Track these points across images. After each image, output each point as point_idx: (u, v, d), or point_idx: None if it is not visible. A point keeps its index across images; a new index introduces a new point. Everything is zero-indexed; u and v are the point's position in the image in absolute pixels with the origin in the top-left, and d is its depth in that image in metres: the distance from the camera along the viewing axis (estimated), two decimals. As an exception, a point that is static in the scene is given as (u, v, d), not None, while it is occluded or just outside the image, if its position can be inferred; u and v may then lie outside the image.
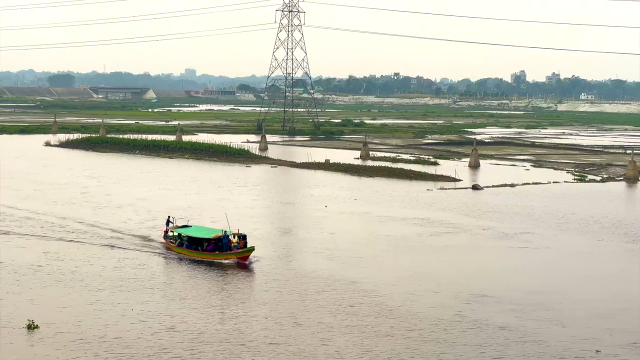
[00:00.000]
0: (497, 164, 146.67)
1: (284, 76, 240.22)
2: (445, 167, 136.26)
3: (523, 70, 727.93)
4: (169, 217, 73.63)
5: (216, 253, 65.41)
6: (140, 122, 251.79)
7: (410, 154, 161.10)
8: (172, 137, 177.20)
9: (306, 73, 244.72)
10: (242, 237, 65.99)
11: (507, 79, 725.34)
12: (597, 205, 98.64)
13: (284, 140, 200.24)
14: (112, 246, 69.05)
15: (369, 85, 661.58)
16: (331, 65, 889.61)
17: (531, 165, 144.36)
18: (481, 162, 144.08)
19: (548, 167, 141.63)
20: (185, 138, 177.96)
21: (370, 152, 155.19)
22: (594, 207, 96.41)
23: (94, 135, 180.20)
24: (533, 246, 73.38)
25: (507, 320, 49.95)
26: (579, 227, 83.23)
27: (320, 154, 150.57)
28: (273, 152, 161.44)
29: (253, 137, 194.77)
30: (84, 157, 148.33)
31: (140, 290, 55.30)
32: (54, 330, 46.19)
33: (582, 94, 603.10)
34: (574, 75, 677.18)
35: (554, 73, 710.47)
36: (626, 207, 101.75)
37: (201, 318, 49.27)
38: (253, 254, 64.84)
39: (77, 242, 70.66)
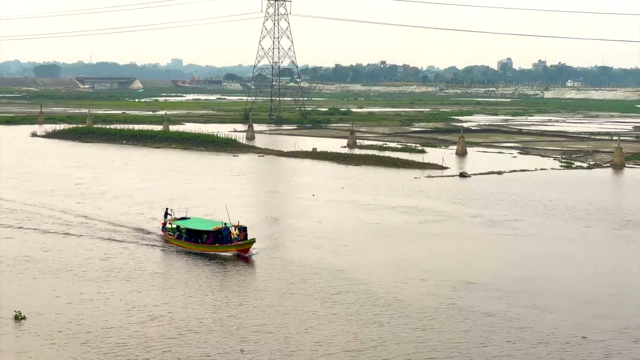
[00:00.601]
0: (484, 152, 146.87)
1: (270, 65, 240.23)
2: (433, 155, 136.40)
3: (509, 58, 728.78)
4: (167, 209, 72.55)
5: (216, 245, 64.07)
6: (127, 112, 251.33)
7: (397, 142, 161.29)
8: (159, 127, 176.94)
9: (293, 62, 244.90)
10: (243, 229, 64.57)
11: (494, 66, 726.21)
12: (584, 192, 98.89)
13: (271, 130, 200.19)
14: (106, 238, 68.27)
15: (356, 73, 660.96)
16: (318, 54, 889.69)
17: (518, 153, 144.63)
18: (468, 149, 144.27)
19: (535, 154, 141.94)
20: (172, 128, 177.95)
21: (357, 141, 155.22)
22: (581, 194, 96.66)
23: (80, 126, 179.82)
24: (520, 233, 73.56)
25: (493, 307, 50.07)
26: (566, 214, 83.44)
27: (307, 143, 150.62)
28: (260, 141, 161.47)
29: (240, 127, 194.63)
30: (70, 148, 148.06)
31: (130, 281, 55.23)
32: (41, 321, 46.13)
33: (569, 81, 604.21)
34: (560, 63, 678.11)
35: (540, 60, 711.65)
36: (613, 193, 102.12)
37: (189, 308, 49.24)
38: (253, 245, 63.74)
39: (69, 234, 70.09)
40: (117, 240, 67.55)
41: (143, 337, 43.74)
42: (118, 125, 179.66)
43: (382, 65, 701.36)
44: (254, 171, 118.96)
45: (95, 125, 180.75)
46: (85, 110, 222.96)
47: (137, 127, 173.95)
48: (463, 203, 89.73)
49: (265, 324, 46.60)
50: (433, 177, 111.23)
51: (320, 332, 45.18)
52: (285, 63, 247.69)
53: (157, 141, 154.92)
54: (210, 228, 65.18)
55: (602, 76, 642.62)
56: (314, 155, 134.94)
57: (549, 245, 69.10)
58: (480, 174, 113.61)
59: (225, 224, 65.10)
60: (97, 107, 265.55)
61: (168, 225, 69.06)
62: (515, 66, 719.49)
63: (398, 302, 51.03)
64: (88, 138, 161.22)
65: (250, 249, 63.40)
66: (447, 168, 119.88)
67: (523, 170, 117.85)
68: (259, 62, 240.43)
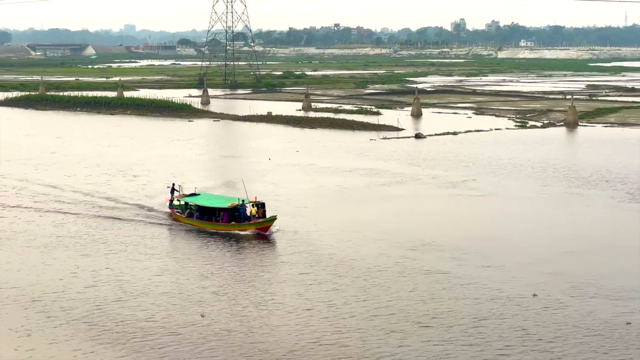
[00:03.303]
0: (439, 113, 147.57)
1: (224, 30, 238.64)
2: (388, 116, 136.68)
3: (463, 19, 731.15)
4: (173, 184, 68.31)
5: (233, 224, 60.25)
6: (80, 79, 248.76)
7: (352, 104, 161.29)
8: (113, 94, 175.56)
9: (246, 26, 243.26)
10: (261, 206, 60.50)
11: (447, 27, 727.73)
12: (538, 151, 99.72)
13: (225, 94, 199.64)
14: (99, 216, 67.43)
15: (310, 37, 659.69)
16: (271, 17, 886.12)
17: (473, 113, 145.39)
18: (423, 110, 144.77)
19: (490, 115, 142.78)
20: (127, 94, 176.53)
21: (312, 104, 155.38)
22: (535, 153, 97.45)
23: (33, 93, 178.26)
24: (477, 193, 74.05)
25: (445, 266, 50.61)
26: (521, 173, 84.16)
27: (262, 107, 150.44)
28: (215, 106, 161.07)
29: (195, 92, 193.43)
30: (24, 116, 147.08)
31: (132, 258, 55.24)
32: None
33: (522, 40, 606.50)
34: (513, 23, 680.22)
35: (493, 20, 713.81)
36: (567, 152, 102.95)
37: (144, 273, 49.41)
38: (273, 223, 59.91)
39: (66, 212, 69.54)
40: (115, 218, 64.46)
41: (94, 302, 43.89)
42: (71, 92, 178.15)
43: (335, 28, 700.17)
44: (209, 136, 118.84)
45: (48, 93, 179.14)
46: (38, 78, 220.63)
47: (90, 94, 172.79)
48: (419, 164, 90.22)
49: (218, 286, 47.15)
50: (389, 138, 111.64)
51: (271, 294, 45.74)
52: (239, 27, 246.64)
53: (112, 108, 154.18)
54: (225, 205, 61.11)
55: (555, 35, 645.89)
56: (269, 119, 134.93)
57: (505, 205, 69.83)
58: (436, 134, 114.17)
59: (243, 200, 61.07)
60: (49, 74, 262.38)
61: (176, 202, 65.27)
62: (469, 27, 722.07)
63: (350, 262, 51.48)
64: (41, 105, 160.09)
65: (271, 227, 59.57)
66: (402, 129, 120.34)
67: (478, 131, 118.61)
68: (212, 26, 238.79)
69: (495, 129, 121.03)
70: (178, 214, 63.81)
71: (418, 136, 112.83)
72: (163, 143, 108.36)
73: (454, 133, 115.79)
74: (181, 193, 66.06)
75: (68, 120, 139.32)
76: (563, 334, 39.77)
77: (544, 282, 47.27)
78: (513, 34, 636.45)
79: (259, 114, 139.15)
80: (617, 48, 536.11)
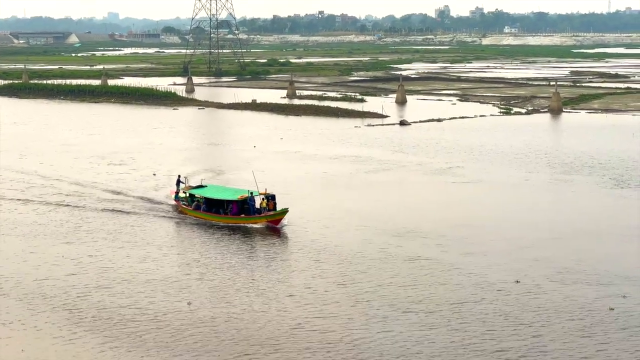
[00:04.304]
0: (423, 99, 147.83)
1: (208, 17, 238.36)
2: (372, 103, 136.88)
3: (447, 5, 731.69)
4: (179, 176, 66.75)
5: (242, 216, 58.92)
6: (63, 67, 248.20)
7: (337, 91, 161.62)
8: (97, 82, 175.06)
9: (230, 13, 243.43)
10: (271, 198, 59.19)
11: (432, 14, 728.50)
12: (523, 137, 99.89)
13: (210, 82, 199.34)
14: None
15: (294, 24, 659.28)
16: (255, 5, 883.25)
17: (457, 100, 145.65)
18: (408, 97, 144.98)
19: (474, 101, 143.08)
20: (111, 82, 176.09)
21: (297, 91, 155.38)
22: (520, 140, 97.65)
23: (16, 82, 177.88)
24: (462, 180, 74.10)
25: (429, 252, 50.71)
26: (505, 160, 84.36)
27: (246, 95, 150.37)
28: (200, 93, 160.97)
29: (179, 80, 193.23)
30: (7, 104, 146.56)
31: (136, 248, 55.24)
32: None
33: (506, 27, 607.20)
34: (497, 9, 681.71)
35: (477, 7, 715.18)
36: (551, 138, 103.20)
37: (129, 260, 49.52)
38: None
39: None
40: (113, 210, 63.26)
41: (81, 287, 43.99)
42: (55, 81, 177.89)
43: (320, 16, 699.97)
44: (194, 124, 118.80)
45: (31, 81, 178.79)
46: (21, 66, 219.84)
47: (74, 82, 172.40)
48: (404, 151, 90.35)
49: (195, 271, 47.44)
50: (373, 125, 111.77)
51: (255, 280, 45.83)
52: (223, 15, 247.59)
53: (96, 96, 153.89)
54: (234, 197, 59.55)
55: (539, 22, 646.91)
56: (254, 106, 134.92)
57: (489, 192, 69.91)
58: (421, 121, 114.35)
59: (251, 192, 59.74)
60: (32, 63, 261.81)
61: (181, 194, 63.79)
62: (453, 13, 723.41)
63: (333, 248, 51.58)
64: (25, 94, 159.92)
65: (282, 219, 58.21)
66: (387, 116, 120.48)
67: (463, 117, 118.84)
68: (196, 14, 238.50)
69: (480, 116, 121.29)
70: (184, 206, 62.36)
71: (402, 123, 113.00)
72: (148, 131, 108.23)
73: (439, 120, 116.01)
74: (187, 185, 64.51)
75: (52, 109, 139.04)
76: (544, 318, 39.94)
77: (527, 268, 47.39)
78: (497, 21, 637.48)
79: (243, 101, 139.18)
80: (601, 34, 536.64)
